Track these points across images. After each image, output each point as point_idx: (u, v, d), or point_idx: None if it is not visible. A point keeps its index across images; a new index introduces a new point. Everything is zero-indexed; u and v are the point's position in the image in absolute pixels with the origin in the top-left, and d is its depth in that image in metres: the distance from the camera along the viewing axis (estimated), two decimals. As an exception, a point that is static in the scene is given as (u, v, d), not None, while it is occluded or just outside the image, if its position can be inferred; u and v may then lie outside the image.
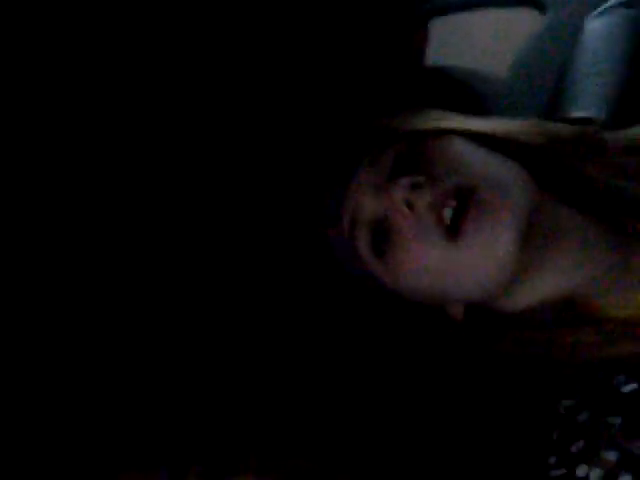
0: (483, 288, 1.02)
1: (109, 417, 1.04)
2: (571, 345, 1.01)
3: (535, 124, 1.09)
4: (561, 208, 1.03)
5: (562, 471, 0.97)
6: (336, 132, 1.09)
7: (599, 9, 1.35)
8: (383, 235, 1.02)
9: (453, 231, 0.98)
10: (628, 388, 0.99)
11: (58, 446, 1.00)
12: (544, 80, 1.20)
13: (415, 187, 0.99)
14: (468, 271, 1.00)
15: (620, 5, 1.32)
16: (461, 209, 0.98)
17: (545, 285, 1.03)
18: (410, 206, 0.99)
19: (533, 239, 0.98)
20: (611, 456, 0.95)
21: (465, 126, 1.06)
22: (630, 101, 1.25)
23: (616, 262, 1.04)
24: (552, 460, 0.98)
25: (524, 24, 1.38)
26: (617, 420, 0.97)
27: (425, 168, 1.01)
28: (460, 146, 1.03)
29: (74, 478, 0.95)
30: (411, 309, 1.06)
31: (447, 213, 0.99)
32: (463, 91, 1.24)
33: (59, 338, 1.07)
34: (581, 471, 0.96)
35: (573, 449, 0.97)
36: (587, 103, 1.26)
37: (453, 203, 0.98)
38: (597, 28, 1.32)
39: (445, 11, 1.44)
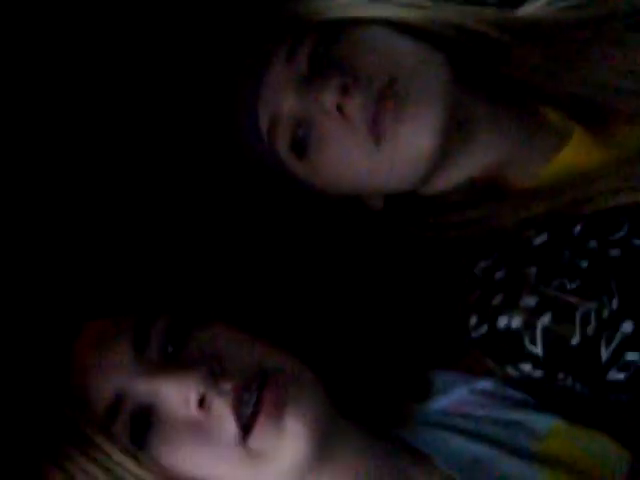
0: (404, 182, 1.00)
1: (82, 259, 1.03)
2: (486, 219, 1.00)
3: (453, 12, 1.07)
4: (476, 97, 1.01)
5: (483, 329, 0.95)
6: (247, 21, 1.04)
7: None
8: (304, 135, 0.98)
9: (377, 132, 0.95)
10: (538, 240, 0.98)
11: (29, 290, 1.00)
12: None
13: (344, 90, 0.95)
14: (391, 169, 0.98)
15: None
16: (381, 109, 0.95)
17: (460, 170, 1.02)
18: (340, 109, 0.95)
19: (452, 132, 0.96)
20: (530, 302, 0.94)
21: (382, 14, 1.02)
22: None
23: (522, 142, 1.03)
24: (473, 321, 0.96)
25: None
26: (533, 270, 0.96)
27: (349, 65, 0.97)
28: (381, 36, 1.00)
29: (42, 324, 0.92)
30: (329, 201, 1.04)
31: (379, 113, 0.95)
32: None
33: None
34: (502, 322, 0.94)
35: (492, 303, 0.95)
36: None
37: (384, 105, 0.95)
38: None
39: None
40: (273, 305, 0.98)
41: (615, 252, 0.94)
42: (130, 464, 0.79)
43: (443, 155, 0.97)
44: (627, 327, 0.90)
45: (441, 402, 0.93)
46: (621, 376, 0.91)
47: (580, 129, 1.03)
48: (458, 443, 0.89)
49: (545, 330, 0.92)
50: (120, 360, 0.82)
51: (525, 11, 1.08)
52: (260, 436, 0.79)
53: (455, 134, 0.97)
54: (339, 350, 0.95)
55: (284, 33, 1.00)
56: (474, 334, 0.95)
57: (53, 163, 1.07)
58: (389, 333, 0.98)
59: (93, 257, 1.04)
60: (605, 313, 0.91)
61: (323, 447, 0.81)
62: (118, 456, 0.79)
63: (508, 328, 0.93)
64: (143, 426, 0.80)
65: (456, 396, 0.93)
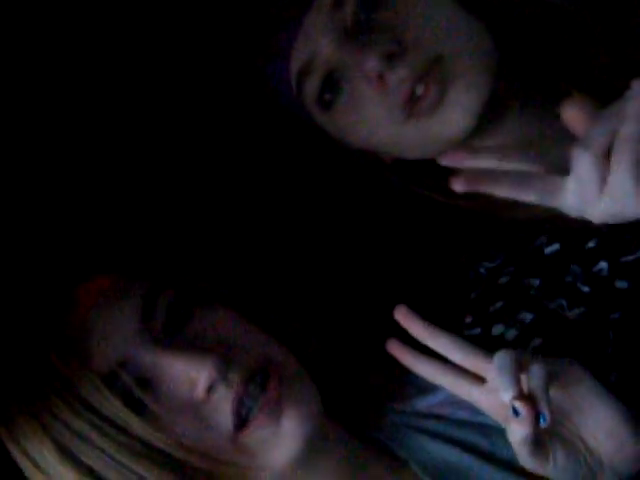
0: (425, 155, 0.99)
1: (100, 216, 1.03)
2: (495, 200, 0.98)
3: None
4: (509, 84, 0.97)
5: (476, 331, 0.96)
6: None
7: None
8: (335, 88, 0.95)
9: (412, 109, 0.93)
10: (550, 249, 0.97)
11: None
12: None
13: (389, 58, 0.91)
14: (417, 143, 0.97)
15: None
16: (421, 87, 0.92)
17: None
18: (381, 78, 0.92)
19: (485, 113, 0.94)
20: (527, 317, 0.94)
21: None
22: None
23: (549, 129, 0.98)
24: (468, 320, 0.97)
25: None
26: (536, 282, 0.96)
27: (397, 29, 0.93)
28: (435, 2, 0.95)
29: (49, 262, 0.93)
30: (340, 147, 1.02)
31: (418, 90, 0.92)
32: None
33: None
34: (496, 330, 0.95)
35: (491, 309, 0.95)
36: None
37: (429, 84, 0.91)
38: None
39: None
40: (269, 298, 0.98)
41: (622, 284, 0.94)
42: (130, 420, 0.79)
43: (469, 136, 0.95)
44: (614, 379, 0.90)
45: (422, 402, 0.94)
46: None
47: None
48: (434, 447, 0.91)
49: (535, 352, 0.92)
50: (126, 326, 0.82)
51: None
52: (255, 433, 0.81)
53: (484, 123, 0.95)
54: (323, 346, 0.96)
55: None
56: (466, 332, 0.96)
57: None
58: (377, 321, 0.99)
59: (115, 213, 1.04)
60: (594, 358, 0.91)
61: (312, 449, 0.83)
62: (114, 414, 0.79)
63: (502, 337, 0.94)
64: (139, 397, 0.80)
65: (438, 397, 0.93)
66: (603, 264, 0.95)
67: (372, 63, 0.91)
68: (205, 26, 1.06)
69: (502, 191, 0.76)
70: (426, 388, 0.94)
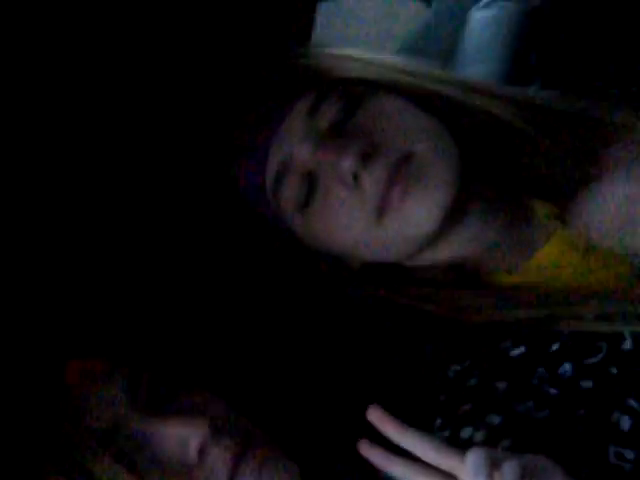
0: (396, 257, 1.02)
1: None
2: (460, 306, 1.01)
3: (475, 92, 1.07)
4: (472, 181, 1.02)
5: (446, 433, 0.96)
6: (267, 71, 1.04)
7: (483, 1, 1.36)
8: (311, 189, 0.99)
9: (383, 206, 0.96)
10: (516, 352, 0.99)
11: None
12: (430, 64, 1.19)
13: (364, 158, 0.95)
14: (388, 243, 0.99)
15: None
16: (392, 183, 0.96)
17: (444, 251, 1.03)
18: (356, 179, 0.96)
19: (450, 214, 0.98)
20: (495, 420, 0.95)
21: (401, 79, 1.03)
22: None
23: (508, 233, 1.04)
24: (438, 422, 0.98)
25: (411, 10, 1.37)
26: (502, 385, 0.97)
27: (369, 133, 0.97)
28: (401, 107, 1.00)
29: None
30: (310, 254, 1.05)
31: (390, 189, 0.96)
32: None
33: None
34: (465, 433, 0.95)
35: (459, 412, 0.96)
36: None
37: (399, 181, 0.95)
38: (483, 17, 1.33)
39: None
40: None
41: (587, 383, 0.95)
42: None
43: (437, 236, 0.99)
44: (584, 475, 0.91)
45: None
46: None
47: (564, 230, 1.04)
48: None
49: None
50: (115, 398, 0.87)
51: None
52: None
53: (453, 216, 0.98)
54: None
55: (308, 86, 1.01)
56: (438, 434, 0.96)
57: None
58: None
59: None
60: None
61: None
62: (107, 473, 0.82)
63: (470, 440, 0.94)
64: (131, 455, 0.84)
65: None
66: (567, 366, 0.96)
67: (347, 163, 0.95)
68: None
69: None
70: None
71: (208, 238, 1.09)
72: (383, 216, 0.96)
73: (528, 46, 1.26)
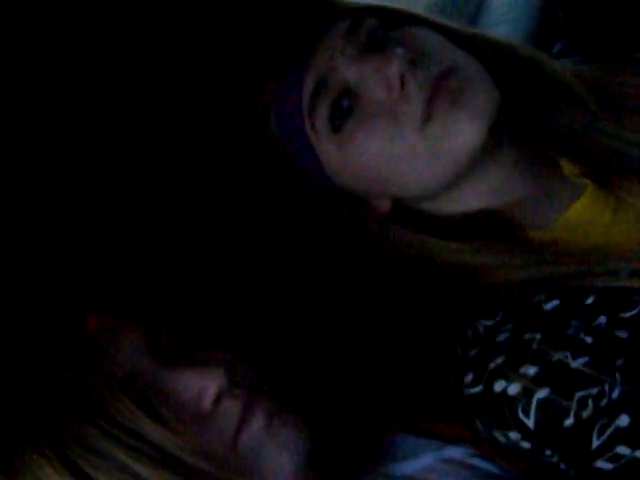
0: (435, 178, 0.98)
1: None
2: (490, 265, 0.98)
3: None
4: (507, 131, 1.00)
5: (478, 389, 0.94)
6: None
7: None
8: (349, 105, 0.96)
9: (430, 111, 0.94)
10: (550, 306, 0.96)
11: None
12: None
13: (412, 62, 0.94)
14: (430, 157, 0.96)
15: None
16: (440, 88, 0.94)
17: (473, 197, 1.00)
18: (402, 83, 0.94)
19: (489, 139, 0.95)
20: (531, 370, 0.92)
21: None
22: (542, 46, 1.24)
23: (538, 187, 1.02)
24: (469, 378, 0.95)
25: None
26: (537, 336, 0.94)
27: (410, 46, 0.96)
28: (440, 39, 0.99)
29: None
30: (337, 194, 1.02)
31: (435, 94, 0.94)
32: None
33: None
34: (498, 386, 0.93)
35: (491, 366, 0.93)
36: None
37: (446, 88, 0.94)
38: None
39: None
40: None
41: (622, 334, 0.92)
42: (145, 424, 0.82)
43: (474, 162, 0.96)
44: (623, 421, 0.89)
45: (406, 467, 0.93)
46: (609, 466, 0.89)
47: (593, 186, 1.02)
48: None
49: (540, 404, 0.90)
50: (133, 347, 0.88)
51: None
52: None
53: (490, 145, 0.96)
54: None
55: (344, 13, 1.00)
56: (467, 392, 0.94)
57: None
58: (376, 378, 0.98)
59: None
60: (604, 401, 0.89)
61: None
62: (128, 419, 0.82)
63: (504, 393, 0.92)
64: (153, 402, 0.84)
65: (422, 463, 0.93)
66: (602, 318, 0.94)
67: (395, 65, 0.93)
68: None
69: None
70: (413, 452, 0.94)
71: (228, 192, 1.07)
72: (428, 122, 0.94)
73: (554, 5, 1.24)
